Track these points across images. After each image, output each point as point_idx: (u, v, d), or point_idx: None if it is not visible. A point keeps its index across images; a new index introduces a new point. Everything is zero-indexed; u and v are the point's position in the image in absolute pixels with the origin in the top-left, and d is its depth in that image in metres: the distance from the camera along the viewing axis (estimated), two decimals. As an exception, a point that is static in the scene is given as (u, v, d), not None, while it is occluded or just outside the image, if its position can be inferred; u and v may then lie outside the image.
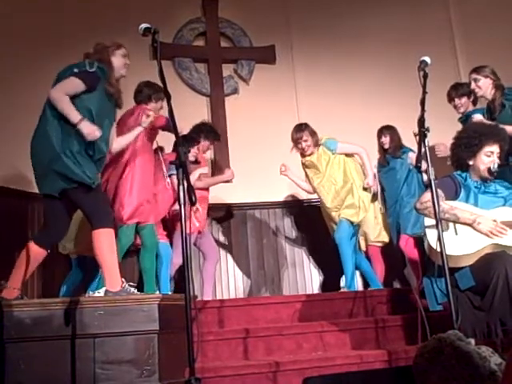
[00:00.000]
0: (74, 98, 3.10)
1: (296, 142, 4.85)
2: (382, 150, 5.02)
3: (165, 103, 2.71)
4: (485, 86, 4.12)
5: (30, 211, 4.80)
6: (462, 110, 4.51)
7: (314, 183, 4.92)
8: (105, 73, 3.21)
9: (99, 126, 3.12)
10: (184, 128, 4.46)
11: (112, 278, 3.02)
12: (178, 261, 4.31)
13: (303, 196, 5.82)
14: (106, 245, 3.03)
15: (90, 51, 3.34)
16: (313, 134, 4.86)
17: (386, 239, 4.92)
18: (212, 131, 4.93)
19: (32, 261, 3.05)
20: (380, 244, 4.94)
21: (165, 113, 3.98)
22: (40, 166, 3.10)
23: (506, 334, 2.90)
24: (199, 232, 4.62)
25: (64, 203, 3.12)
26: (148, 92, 4.16)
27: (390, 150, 4.94)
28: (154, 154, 4.23)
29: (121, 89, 3.34)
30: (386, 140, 4.95)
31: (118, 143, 3.59)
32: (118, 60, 3.34)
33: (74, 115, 3.03)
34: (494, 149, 3.20)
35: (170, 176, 4.32)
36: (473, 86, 4.18)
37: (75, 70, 3.15)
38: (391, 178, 4.92)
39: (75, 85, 3.10)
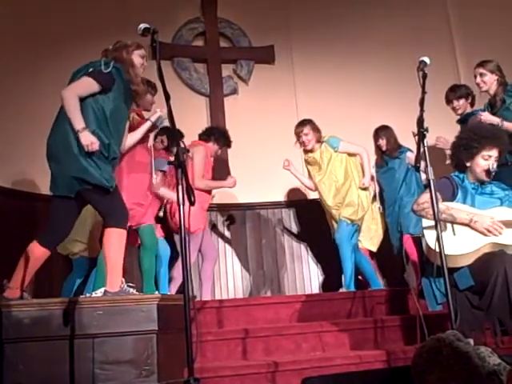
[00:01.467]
0: (88, 98, 3.09)
1: (297, 135, 4.91)
2: (380, 151, 5.02)
3: (161, 100, 2.70)
4: (490, 82, 4.12)
5: (33, 212, 4.79)
6: (460, 111, 4.52)
7: (316, 180, 4.96)
8: (121, 73, 3.19)
9: (113, 128, 3.11)
10: (183, 128, 4.48)
11: (113, 278, 3.01)
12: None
13: (302, 196, 5.83)
14: (115, 244, 3.03)
15: (109, 48, 3.32)
16: (315, 129, 4.91)
17: (374, 248, 4.96)
18: (223, 136, 4.90)
19: (35, 261, 3.04)
20: (367, 250, 4.97)
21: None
22: (57, 166, 3.07)
23: (505, 333, 2.90)
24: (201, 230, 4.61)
25: (76, 203, 3.11)
26: None
27: (388, 152, 4.95)
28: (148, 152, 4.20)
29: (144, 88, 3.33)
30: (382, 142, 4.96)
31: (128, 141, 3.56)
32: (136, 60, 3.31)
33: (77, 121, 3.00)
34: (493, 153, 3.19)
35: (159, 171, 4.28)
36: (478, 80, 4.16)
37: (90, 70, 3.13)
38: (390, 178, 4.93)
39: (88, 85, 3.09)
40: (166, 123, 3.45)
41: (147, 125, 3.73)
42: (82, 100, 3.08)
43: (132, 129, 3.83)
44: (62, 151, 3.04)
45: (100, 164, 3.03)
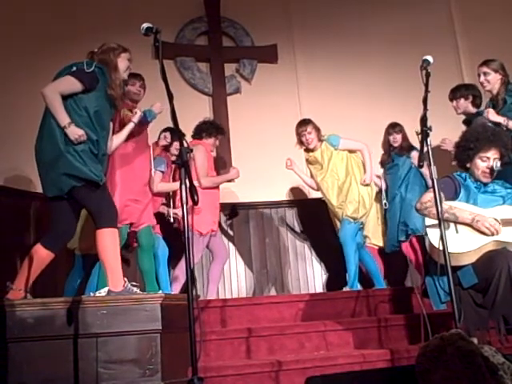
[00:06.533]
0: (72, 97, 3.09)
1: (300, 134, 4.91)
2: (388, 147, 4.97)
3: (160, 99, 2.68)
4: (493, 81, 4.11)
5: (31, 211, 4.80)
6: (459, 111, 4.50)
7: (318, 179, 4.97)
8: (104, 73, 3.19)
9: (98, 126, 3.11)
10: (186, 128, 4.50)
11: (114, 278, 3.01)
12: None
13: (306, 194, 5.83)
14: (109, 244, 3.03)
15: (95, 50, 3.32)
16: (316, 128, 4.92)
17: (382, 244, 4.95)
18: (213, 127, 4.89)
19: (39, 263, 3.05)
20: (377, 247, 4.96)
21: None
22: (45, 167, 3.08)
23: (509, 332, 2.90)
24: (213, 231, 4.62)
25: (71, 203, 3.11)
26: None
27: (398, 148, 4.91)
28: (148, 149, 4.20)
29: (121, 92, 3.33)
30: (397, 137, 4.90)
31: (114, 142, 3.55)
32: (122, 63, 3.32)
33: (62, 117, 3.01)
34: (490, 154, 3.19)
35: (158, 171, 4.33)
36: (481, 79, 4.15)
37: (73, 69, 3.14)
38: (393, 175, 4.91)
39: (70, 84, 3.09)
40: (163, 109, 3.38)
41: (130, 126, 3.72)
42: (65, 99, 3.08)
43: (122, 124, 3.83)
44: (50, 151, 3.05)
45: (87, 161, 3.03)
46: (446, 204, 3.05)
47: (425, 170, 4.26)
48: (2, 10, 5.05)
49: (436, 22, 6.19)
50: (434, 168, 2.78)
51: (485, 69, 4.14)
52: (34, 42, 5.16)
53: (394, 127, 4.94)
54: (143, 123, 3.97)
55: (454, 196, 3.16)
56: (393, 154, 4.96)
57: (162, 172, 4.43)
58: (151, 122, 4.09)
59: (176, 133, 2.64)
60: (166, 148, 4.60)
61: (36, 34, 5.20)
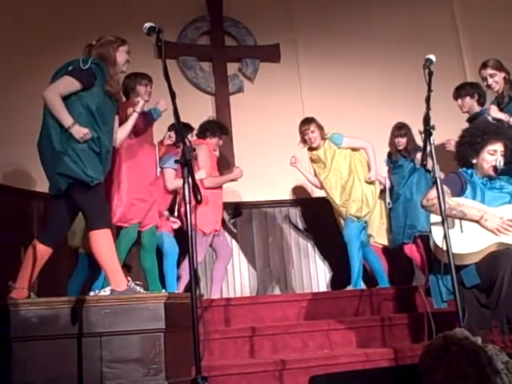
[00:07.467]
0: (72, 96, 3.09)
1: (303, 133, 4.91)
2: (394, 148, 4.89)
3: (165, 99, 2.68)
4: (500, 80, 4.11)
5: (33, 210, 4.82)
6: (464, 109, 4.48)
7: (321, 178, 4.97)
8: (102, 69, 3.18)
9: (101, 122, 3.11)
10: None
11: (116, 278, 3.01)
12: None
13: (309, 193, 5.83)
14: (104, 246, 3.02)
15: (93, 43, 3.32)
16: (319, 127, 4.91)
17: (387, 243, 4.94)
18: (217, 126, 4.88)
19: (38, 260, 3.05)
20: (381, 245, 4.95)
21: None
22: (46, 166, 3.12)
23: (512, 331, 2.90)
24: (216, 231, 4.62)
25: (68, 202, 3.12)
26: (127, 82, 4.06)
27: (404, 151, 4.84)
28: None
29: (119, 86, 3.33)
30: (402, 141, 4.80)
31: (119, 135, 3.53)
32: (121, 56, 3.31)
33: (65, 119, 3.01)
34: (497, 147, 3.19)
35: (162, 169, 4.31)
36: (490, 81, 4.14)
37: (69, 69, 3.14)
38: (398, 175, 4.89)
39: (69, 84, 3.09)
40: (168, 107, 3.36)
41: (134, 116, 3.69)
42: (66, 99, 3.08)
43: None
44: (48, 151, 3.07)
45: (85, 160, 3.01)
46: (454, 200, 3.05)
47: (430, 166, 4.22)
48: (2, 10, 5.05)
49: (438, 20, 6.18)
50: (437, 167, 2.77)
51: (489, 71, 4.12)
52: (34, 42, 5.15)
53: (399, 129, 4.82)
54: (149, 121, 3.97)
55: (460, 192, 3.16)
56: (398, 154, 4.93)
57: (175, 169, 4.42)
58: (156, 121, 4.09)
59: (181, 132, 2.64)
60: (176, 145, 4.58)
61: (36, 34, 5.20)
